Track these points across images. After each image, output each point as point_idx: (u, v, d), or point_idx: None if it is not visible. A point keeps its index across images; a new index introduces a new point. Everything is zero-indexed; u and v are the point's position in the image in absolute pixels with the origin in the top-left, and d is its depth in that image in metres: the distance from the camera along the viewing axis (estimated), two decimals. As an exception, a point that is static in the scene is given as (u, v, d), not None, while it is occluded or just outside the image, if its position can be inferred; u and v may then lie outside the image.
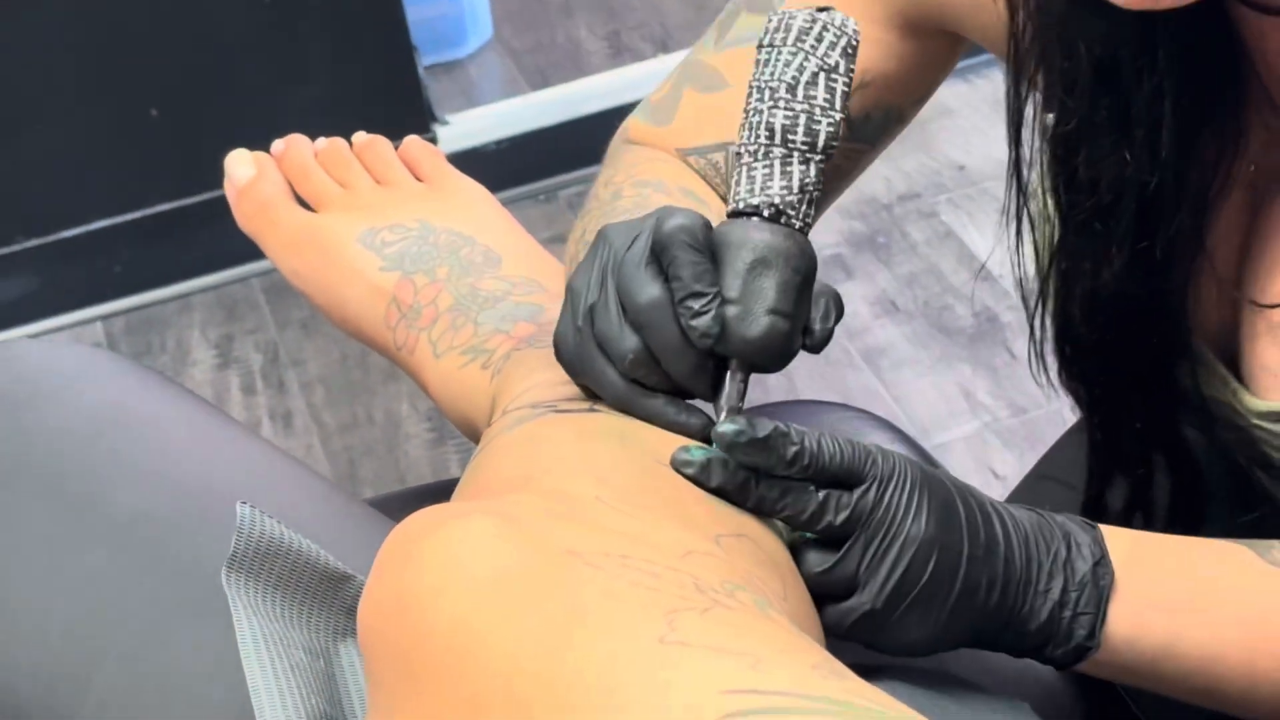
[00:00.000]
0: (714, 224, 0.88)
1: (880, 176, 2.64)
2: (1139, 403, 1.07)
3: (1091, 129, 0.96)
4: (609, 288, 0.86)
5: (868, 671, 0.78)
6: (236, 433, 1.14)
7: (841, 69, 0.82)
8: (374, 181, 1.23)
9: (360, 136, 1.25)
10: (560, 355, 0.88)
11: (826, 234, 2.49)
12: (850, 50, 0.83)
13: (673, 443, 0.85)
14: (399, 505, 0.96)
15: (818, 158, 0.82)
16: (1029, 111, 1.00)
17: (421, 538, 0.71)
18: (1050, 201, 1.02)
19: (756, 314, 0.81)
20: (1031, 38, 0.96)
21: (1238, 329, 1.03)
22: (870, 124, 1.09)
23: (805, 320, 0.84)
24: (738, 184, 0.85)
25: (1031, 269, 1.06)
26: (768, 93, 0.81)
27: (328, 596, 0.92)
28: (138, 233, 2.57)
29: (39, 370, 1.14)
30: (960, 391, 2.29)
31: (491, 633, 0.66)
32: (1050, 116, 0.99)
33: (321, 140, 1.24)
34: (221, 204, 1.25)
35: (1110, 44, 0.93)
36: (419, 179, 1.24)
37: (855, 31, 0.83)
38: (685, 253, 0.82)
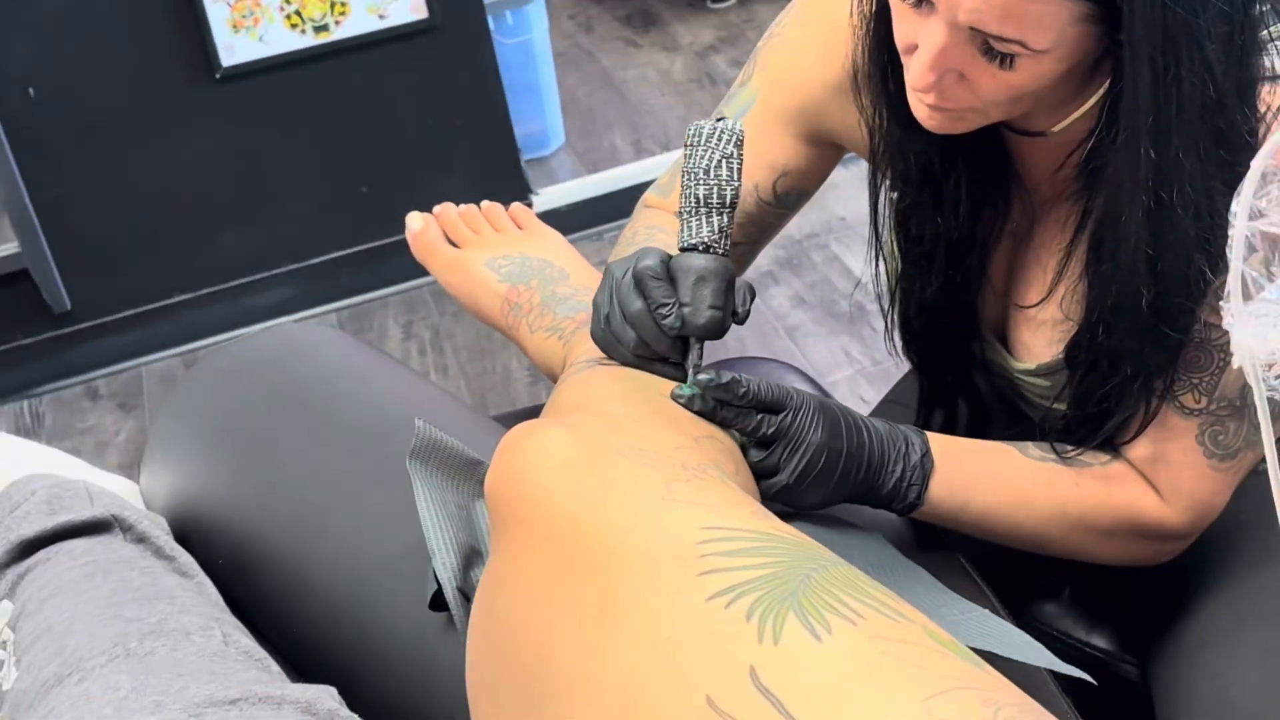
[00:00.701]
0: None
1: (794, 223, 2.27)
2: (948, 366, 1.24)
3: (919, 205, 1.12)
4: (615, 302, 1.02)
5: (786, 516, 0.92)
6: (414, 378, 1.32)
7: (735, 155, 1.00)
8: (493, 230, 1.41)
9: (485, 204, 1.43)
10: (595, 340, 1.06)
11: (762, 259, 2.78)
12: (739, 143, 1.00)
13: (669, 384, 1.02)
14: (511, 420, 1.10)
15: (728, 210, 1.01)
16: (884, 191, 1.17)
17: (520, 439, 0.86)
18: (895, 245, 1.18)
19: (701, 310, 0.99)
20: (881, 150, 1.11)
21: (1006, 320, 1.20)
22: (789, 198, 1.25)
23: (733, 307, 1.02)
24: (682, 230, 1.02)
25: (884, 285, 1.23)
26: (692, 175, 1.01)
27: (468, 473, 1.06)
28: (355, 259, 3.07)
29: (298, 341, 1.31)
30: (842, 351, 2.75)
31: (559, 494, 0.82)
32: (894, 194, 1.15)
33: (462, 206, 1.43)
34: (404, 243, 1.45)
35: (928, 153, 1.09)
36: (520, 228, 1.42)
37: (741, 130, 1.00)
38: (652, 282, 1.00)
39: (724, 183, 1.00)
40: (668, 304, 0.99)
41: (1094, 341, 1.06)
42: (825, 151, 1.24)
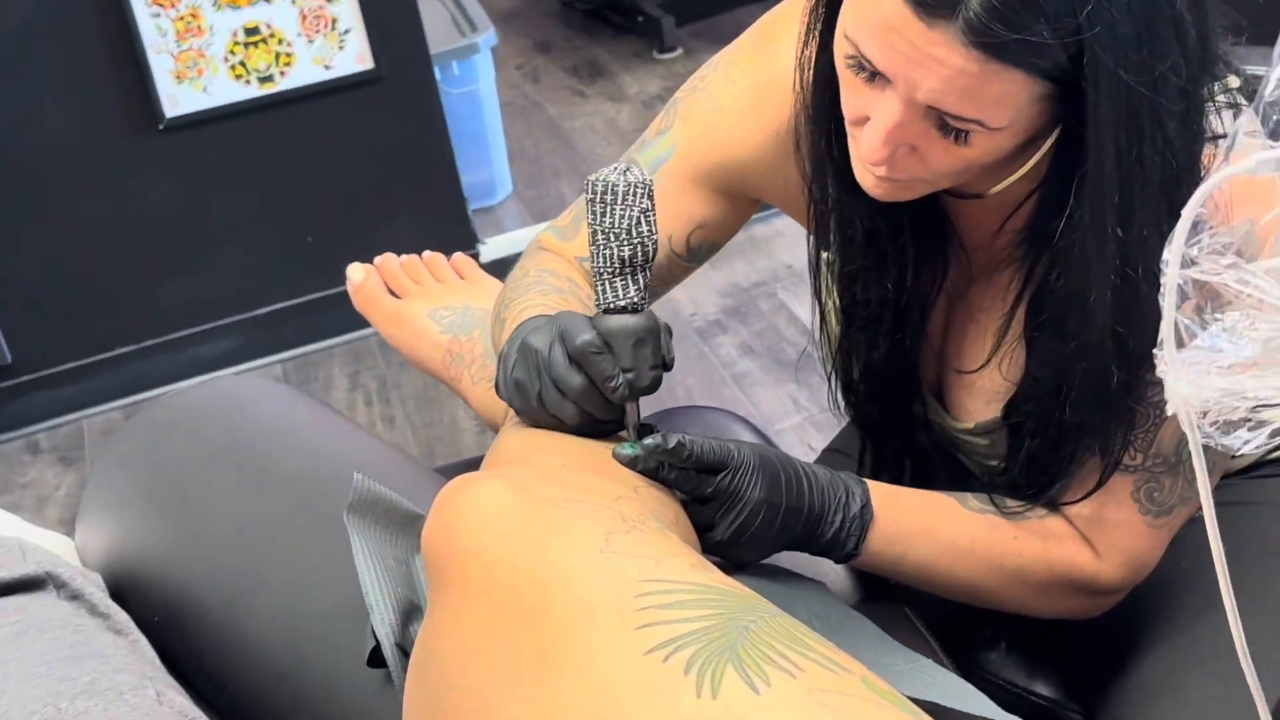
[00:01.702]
0: (586, 303, 1.11)
1: (741, 271, 3.07)
2: (893, 428, 1.24)
3: (865, 270, 1.12)
4: (546, 379, 0.99)
5: (727, 567, 0.97)
6: (355, 430, 1.32)
7: (651, 209, 0.97)
8: (435, 280, 1.44)
9: (427, 254, 1.47)
10: (521, 416, 1.03)
11: (710, 307, 3.00)
12: (652, 194, 0.96)
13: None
14: (454, 471, 1.05)
15: (650, 266, 0.99)
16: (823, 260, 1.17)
17: (457, 492, 0.86)
18: (835, 311, 1.18)
19: (645, 373, 0.98)
20: (823, 213, 1.12)
21: (943, 379, 1.21)
22: (700, 251, 1.25)
23: (665, 358, 1.01)
24: (605, 292, 0.98)
25: (826, 350, 1.23)
26: (613, 235, 0.96)
27: (407, 527, 1.06)
28: (301, 310, 3.05)
29: (236, 394, 1.32)
30: (790, 399, 2.75)
31: (497, 546, 0.81)
32: (833, 259, 1.15)
33: (404, 256, 1.47)
34: (347, 294, 1.48)
35: (872, 219, 1.09)
36: (462, 278, 1.45)
37: (650, 180, 0.96)
38: (595, 356, 0.97)
39: (646, 239, 0.97)
40: (615, 376, 0.97)
41: (1040, 408, 1.06)
42: (742, 205, 1.23)
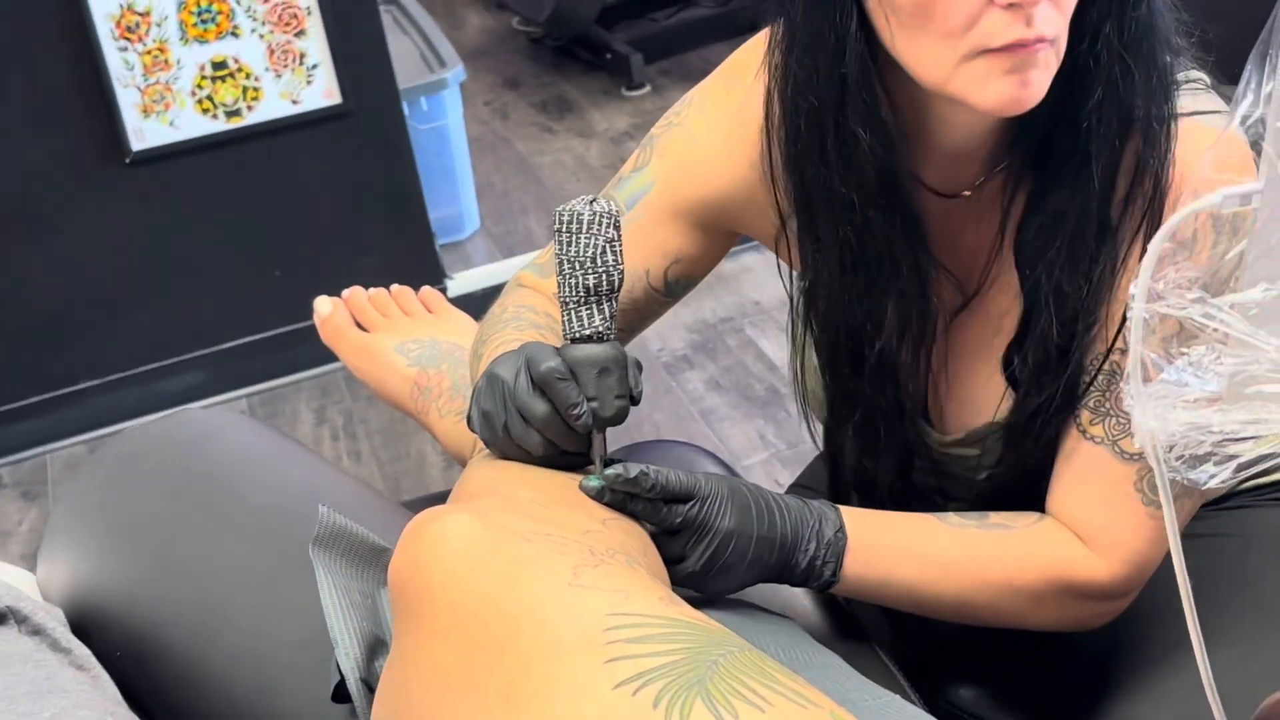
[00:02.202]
0: (557, 335, 1.11)
1: (708, 308, 3.08)
2: (870, 458, 1.22)
3: (844, 289, 1.10)
4: (511, 408, 0.98)
5: (696, 601, 0.95)
6: (321, 464, 1.31)
7: (617, 239, 0.98)
8: (403, 314, 1.45)
9: (395, 287, 1.48)
10: (489, 446, 1.03)
11: (677, 343, 3.00)
12: (618, 224, 0.97)
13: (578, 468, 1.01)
14: (420, 505, 1.02)
15: (615, 295, 0.99)
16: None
17: (425, 525, 0.85)
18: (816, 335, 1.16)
19: (609, 402, 0.98)
20: (811, 220, 1.10)
21: (932, 397, 1.21)
22: (678, 286, 1.25)
23: (632, 390, 1.00)
24: (570, 321, 0.99)
25: (802, 380, 1.23)
26: (578, 264, 0.97)
27: (373, 560, 1.06)
28: (268, 344, 3.05)
29: (201, 426, 1.31)
30: (757, 435, 2.75)
31: (464, 579, 0.81)
32: (807, 284, 1.14)
33: (372, 290, 1.48)
34: (314, 328, 1.49)
35: (860, 227, 1.07)
36: (430, 312, 1.46)
37: (617, 211, 0.97)
38: (560, 384, 0.97)
39: (611, 268, 0.97)
40: (579, 404, 0.97)
41: (1040, 347, 1.07)
42: (720, 239, 1.24)
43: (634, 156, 1.25)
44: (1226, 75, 0.91)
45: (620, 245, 0.97)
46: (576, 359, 0.97)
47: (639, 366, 1.01)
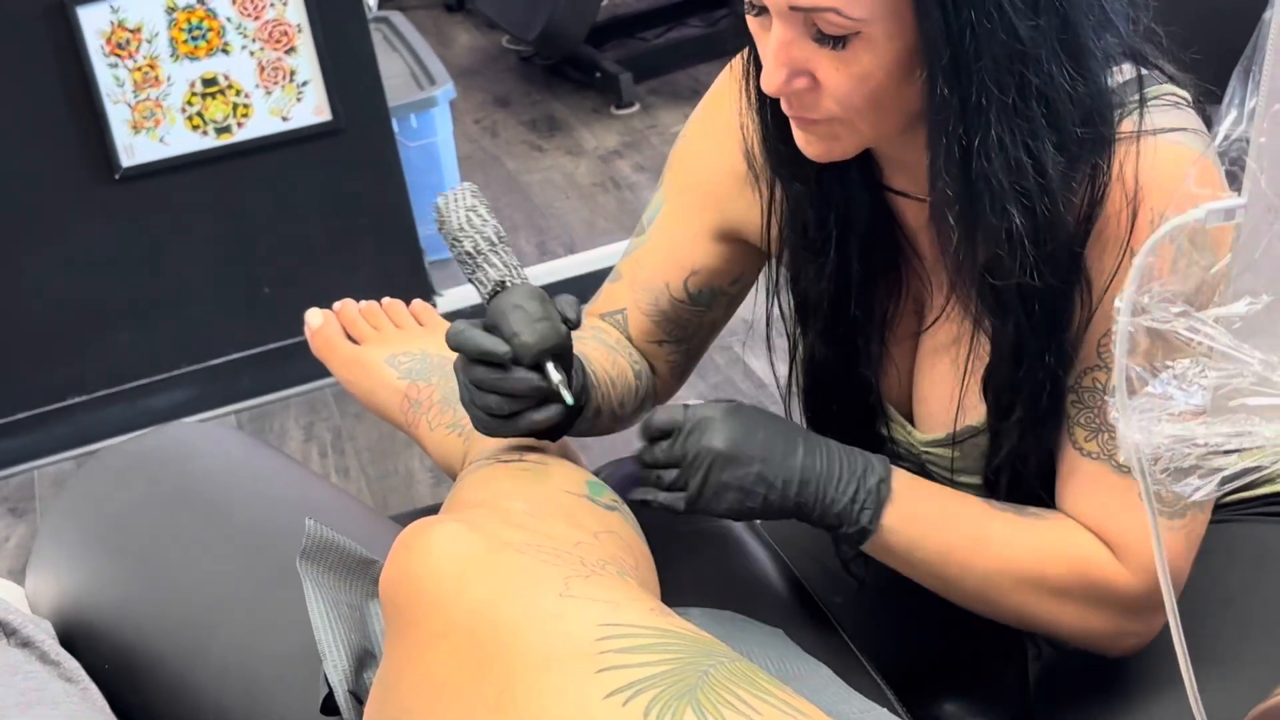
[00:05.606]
0: (625, 331, 1.23)
1: None
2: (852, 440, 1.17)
3: (809, 263, 1.14)
4: (465, 386, 1.05)
5: (685, 613, 0.95)
6: (309, 477, 1.34)
7: (478, 205, 1.08)
8: (394, 326, 1.43)
9: (386, 300, 1.46)
10: (486, 433, 1.08)
11: None
12: (475, 194, 1.08)
13: (568, 477, 1.05)
14: (408, 519, 1.03)
15: (501, 245, 1.08)
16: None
17: (417, 535, 0.86)
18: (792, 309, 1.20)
19: (529, 328, 1.02)
20: (781, 218, 1.15)
21: (912, 394, 1.21)
22: (701, 295, 1.26)
23: (562, 315, 1.05)
24: (479, 286, 1.08)
25: (786, 380, 1.25)
26: (453, 239, 1.08)
27: (361, 573, 1.06)
28: (256, 360, 3.05)
29: (191, 440, 1.33)
30: None
31: (456, 590, 0.82)
32: (786, 268, 1.18)
33: (363, 302, 1.45)
34: (305, 344, 1.45)
35: (821, 212, 1.11)
36: (421, 325, 1.44)
37: (471, 186, 1.08)
38: (477, 335, 1.03)
39: (481, 227, 1.07)
40: (498, 348, 1.02)
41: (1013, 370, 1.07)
42: (734, 249, 1.24)
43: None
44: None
45: (484, 208, 1.08)
46: (490, 312, 1.05)
47: (576, 303, 1.07)
